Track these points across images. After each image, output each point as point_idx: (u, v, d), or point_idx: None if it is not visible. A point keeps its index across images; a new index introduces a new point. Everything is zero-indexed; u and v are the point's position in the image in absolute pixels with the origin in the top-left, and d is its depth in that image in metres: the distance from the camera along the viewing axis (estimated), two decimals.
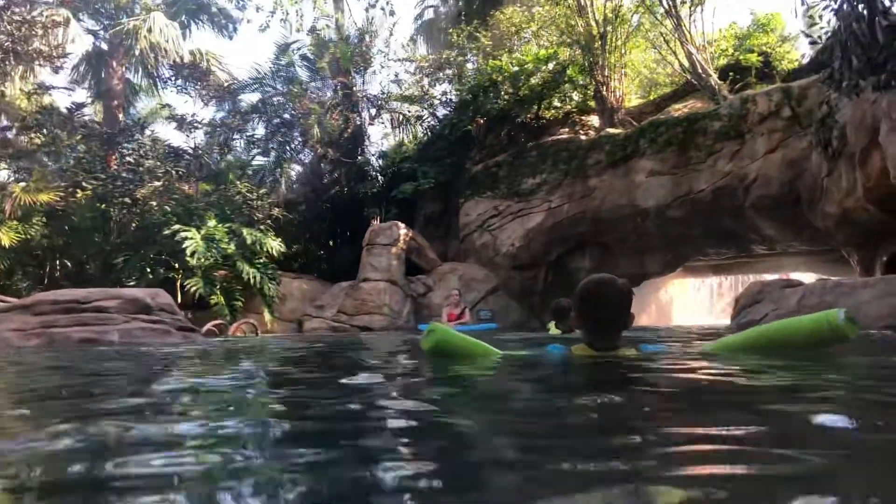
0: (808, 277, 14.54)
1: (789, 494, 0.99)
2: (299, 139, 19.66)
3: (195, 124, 20.62)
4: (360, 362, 4.37)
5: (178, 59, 20.75)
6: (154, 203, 15.71)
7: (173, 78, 23.02)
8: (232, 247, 14.96)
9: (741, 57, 17.53)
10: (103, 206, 15.57)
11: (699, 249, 16.66)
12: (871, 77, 8.59)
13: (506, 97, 18.40)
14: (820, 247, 14.31)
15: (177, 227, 14.36)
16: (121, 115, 21.48)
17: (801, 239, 14.40)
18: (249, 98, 21.68)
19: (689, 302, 22.05)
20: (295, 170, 20.64)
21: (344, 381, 2.75)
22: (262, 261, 15.48)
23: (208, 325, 11.62)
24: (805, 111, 13.11)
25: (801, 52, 18.34)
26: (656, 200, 15.24)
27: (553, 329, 8.76)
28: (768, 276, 16.84)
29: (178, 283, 14.65)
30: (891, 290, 7.11)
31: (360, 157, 19.35)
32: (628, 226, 15.91)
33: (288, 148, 19.96)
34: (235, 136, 19.40)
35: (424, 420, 1.72)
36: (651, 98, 20.28)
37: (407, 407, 1.96)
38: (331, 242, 20.13)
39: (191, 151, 17.69)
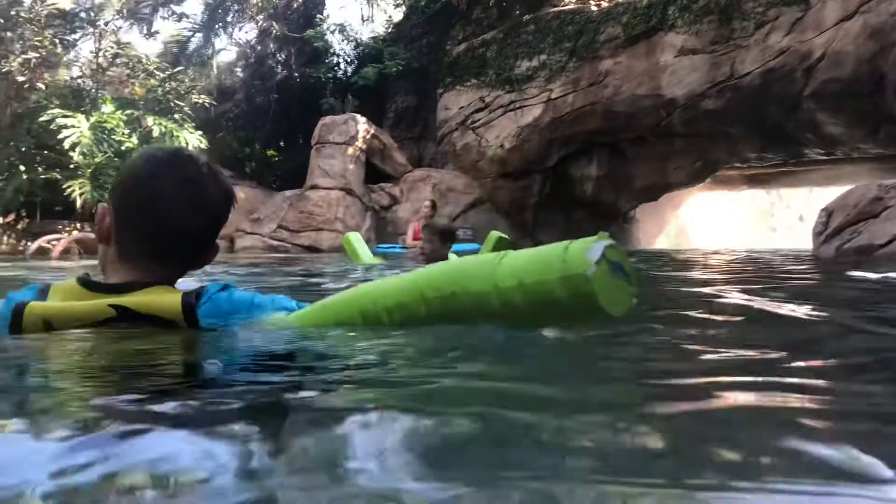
0: None
1: None
2: (235, 7, 16.64)
3: None
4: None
5: None
6: (23, 79, 12.77)
7: None
8: (133, 140, 12.31)
9: None
10: None
11: (736, 154, 14.88)
12: None
13: None
14: None
15: (55, 111, 11.58)
16: None
17: (874, 140, 12.63)
18: None
19: (719, 221, 19.95)
20: (231, 50, 17.76)
21: None
22: None
23: (39, 241, 9.21)
24: None
25: None
26: (687, 88, 13.42)
27: None
28: (824, 189, 14.79)
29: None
30: None
31: (311, 32, 16.35)
32: (648, 122, 14.20)
33: (220, 19, 16.90)
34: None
35: None
36: None
37: None
38: (282, 143, 17.45)
39: (84, 15, 14.59)
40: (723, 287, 3.88)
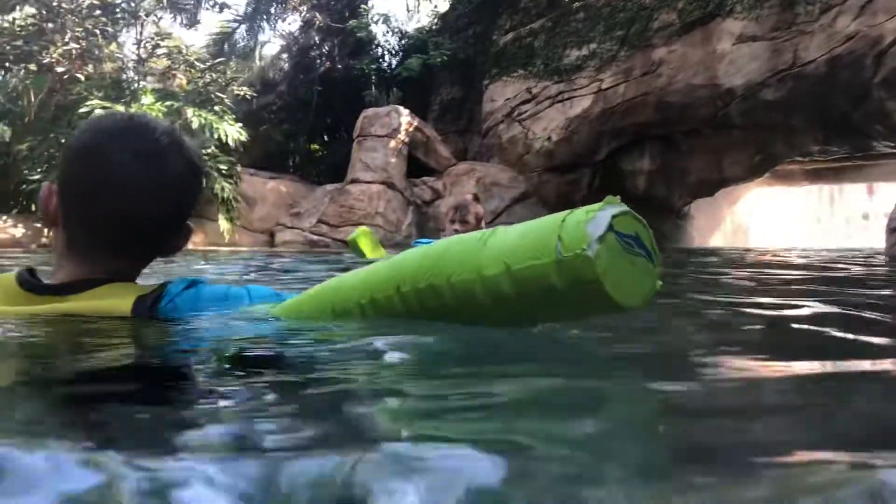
0: None
1: None
2: None
3: None
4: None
5: None
6: (62, 70, 12.72)
7: None
8: None
9: None
10: None
11: (798, 147, 14.37)
12: None
13: None
14: None
15: (94, 102, 11.51)
16: None
17: None
18: None
19: (778, 218, 19.45)
20: (275, 43, 17.60)
21: None
22: (209, 151, 12.67)
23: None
24: None
25: None
26: (746, 77, 12.74)
27: None
28: (893, 185, 14.22)
29: None
30: None
31: (354, 22, 16.09)
32: (705, 114, 13.57)
33: (264, 10, 16.75)
34: None
35: None
36: None
37: None
38: (325, 136, 17.29)
39: (125, 4, 14.48)
40: (796, 290, 3.46)
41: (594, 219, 1.09)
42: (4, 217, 12.64)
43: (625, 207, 1.12)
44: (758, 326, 2.10)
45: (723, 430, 0.86)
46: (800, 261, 7.54)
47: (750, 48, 12.59)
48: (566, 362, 1.35)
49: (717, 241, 17.63)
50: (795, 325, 2.13)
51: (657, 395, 1.08)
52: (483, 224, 11.68)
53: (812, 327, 2.09)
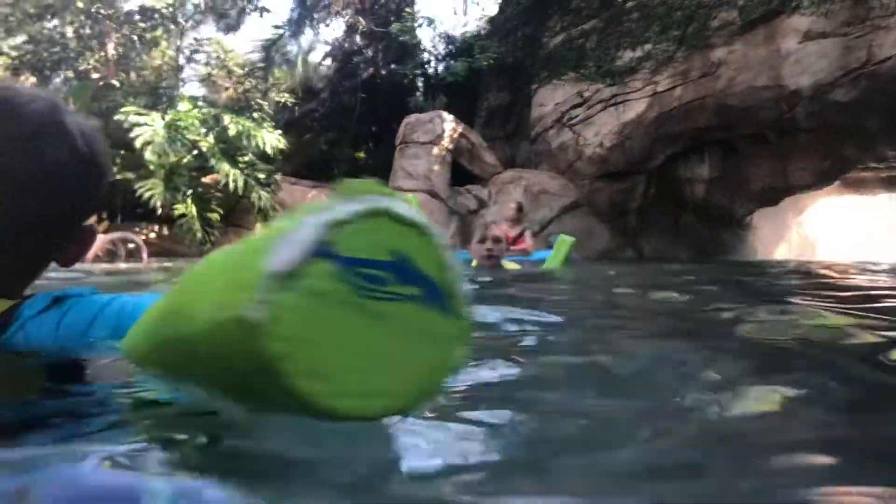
0: None
1: None
2: (323, 2, 16.28)
3: None
4: None
5: None
6: (97, 77, 12.67)
7: None
8: (209, 139, 11.94)
9: None
10: (29, 79, 12.77)
11: (871, 151, 13.83)
12: None
13: None
14: None
15: (129, 109, 11.38)
16: None
17: None
18: None
19: (848, 230, 18.75)
20: (318, 49, 17.39)
21: None
22: (246, 159, 12.45)
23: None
24: None
25: None
26: (814, 77, 12.10)
27: None
28: None
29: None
30: None
31: (397, 25, 15.77)
32: (768, 117, 12.99)
33: (307, 15, 16.57)
34: None
35: None
36: None
37: None
38: (369, 144, 17.05)
39: (164, 10, 14.44)
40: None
41: (290, 235, 0.58)
42: None
43: (375, 205, 0.61)
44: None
45: None
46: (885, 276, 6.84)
47: (818, 46, 11.96)
48: None
49: (782, 253, 16.83)
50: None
51: None
52: (527, 232, 11.23)
53: None
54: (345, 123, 16.57)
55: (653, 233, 14.61)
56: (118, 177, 12.25)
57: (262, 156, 13.10)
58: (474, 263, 5.40)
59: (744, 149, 14.06)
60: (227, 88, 13.71)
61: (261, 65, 15.04)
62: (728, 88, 13.06)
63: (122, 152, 12.37)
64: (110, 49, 12.89)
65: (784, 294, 4.57)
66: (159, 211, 12.26)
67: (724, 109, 13.24)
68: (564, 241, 6.35)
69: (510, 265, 5.54)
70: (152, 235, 12.90)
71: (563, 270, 5.96)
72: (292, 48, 17.15)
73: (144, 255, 10.52)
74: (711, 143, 14.19)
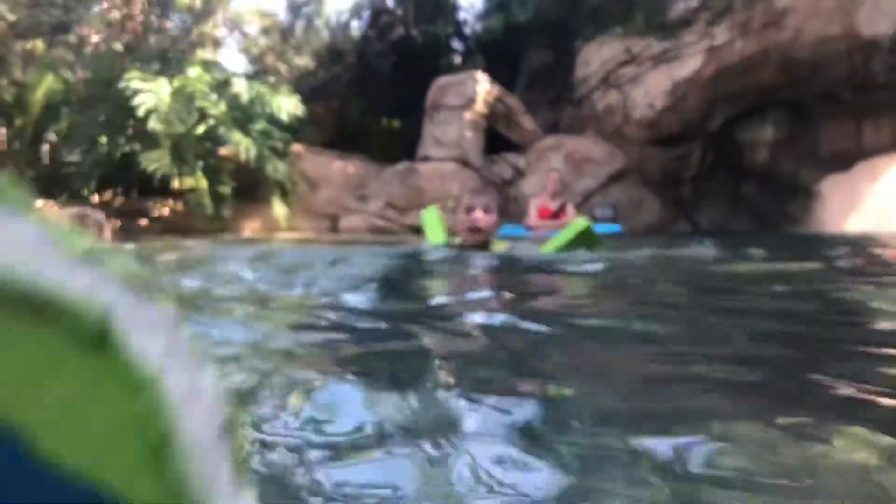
0: None
1: None
2: None
3: None
4: None
5: None
6: (97, 39, 12.10)
7: None
8: (221, 107, 11.29)
9: None
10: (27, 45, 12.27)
11: None
12: None
13: None
14: None
15: (134, 74, 10.84)
16: None
17: None
18: None
19: None
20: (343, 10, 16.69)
21: None
22: (259, 127, 11.77)
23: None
24: None
25: None
26: (892, 24, 11.58)
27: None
28: None
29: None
30: None
31: None
32: (840, 72, 12.47)
33: None
34: None
35: None
36: None
37: None
38: (401, 111, 16.40)
39: None
40: None
41: None
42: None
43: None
44: None
45: None
46: None
47: None
48: None
49: (855, 225, 15.58)
50: None
51: None
52: (568, 204, 10.26)
53: None
54: (374, 89, 15.96)
55: (710, 204, 13.99)
56: (127, 149, 11.68)
57: (280, 124, 12.45)
58: (458, 240, 4.46)
59: (812, 108, 13.40)
60: (242, 51, 13.10)
61: (276, 25, 14.38)
62: (795, 40, 12.53)
63: (132, 121, 11.82)
64: (115, 11, 12.35)
65: None
66: (176, 185, 11.70)
67: (791, 64, 12.71)
68: (576, 225, 5.10)
69: (500, 244, 4.58)
70: (166, 211, 12.33)
71: (578, 257, 4.70)
72: (315, 9, 16.51)
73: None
74: (776, 103, 13.59)
